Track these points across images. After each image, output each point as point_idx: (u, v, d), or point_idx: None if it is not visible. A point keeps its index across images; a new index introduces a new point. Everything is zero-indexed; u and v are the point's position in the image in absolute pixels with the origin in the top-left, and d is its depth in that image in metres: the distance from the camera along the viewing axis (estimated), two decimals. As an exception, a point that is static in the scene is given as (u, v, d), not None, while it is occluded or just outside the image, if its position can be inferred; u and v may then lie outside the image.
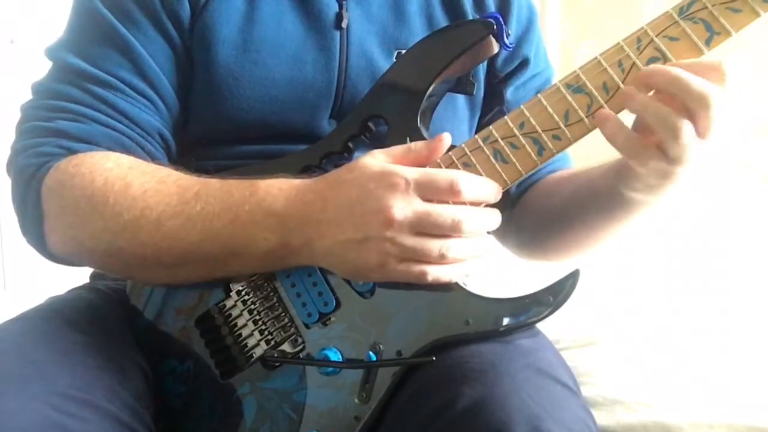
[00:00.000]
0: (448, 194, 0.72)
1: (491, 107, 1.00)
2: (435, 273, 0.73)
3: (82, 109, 0.83)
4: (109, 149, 0.82)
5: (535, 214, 0.98)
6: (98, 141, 0.83)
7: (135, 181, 0.78)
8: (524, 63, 1.00)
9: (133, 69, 0.85)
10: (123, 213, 0.77)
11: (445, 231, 0.71)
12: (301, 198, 0.75)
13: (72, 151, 0.81)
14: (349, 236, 0.72)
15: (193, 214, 0.76)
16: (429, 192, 0.71)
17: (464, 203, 0.73)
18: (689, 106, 0.69)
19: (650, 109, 0.70)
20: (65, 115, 0.83)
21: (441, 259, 0.72)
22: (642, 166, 0.74)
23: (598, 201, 0.87)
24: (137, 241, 0.78)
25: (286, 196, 0.75)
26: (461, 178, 0.72)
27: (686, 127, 0.69)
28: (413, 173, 0.72)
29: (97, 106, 0.84)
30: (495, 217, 0.76)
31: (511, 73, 1.00)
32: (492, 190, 0.76)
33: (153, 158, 0.85)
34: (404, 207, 0.70)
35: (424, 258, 0.72)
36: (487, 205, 0.77)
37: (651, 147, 0.72)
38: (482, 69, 0.97)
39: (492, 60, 0.97)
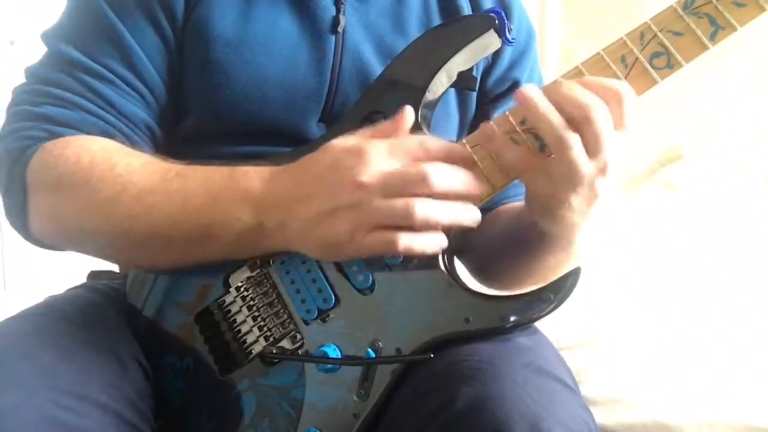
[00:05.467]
0: (417, 152, 0.71)
1: (476, 127, 0.99)
2: (405, 240, 0.70)
3: (70, 96, 0.84)
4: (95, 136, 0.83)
5: (480, 241, 0.95)
6: (83, 128, 0.83)
7: (121, 161, 0.79)
8: (514, 86, 0.99)
9: (123, 61, 0.85)
10: (104, 190, 0.78)
11: (413, 186, 0.69)
12: (276, 180, 0.75)
13: (57, 136, 0.82)
14: (320, 208, 0.71)
15: (171, 191, 0.77)
16: (398, 153, 0.71)
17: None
18: (572, 115, 0.69)
19: (544, 117, 0.70)
20: (53, 101, 0.84)
21: (409, 220, 0.69)
22: (532, 184, 0.74)
23: (520, 234, 0.86)
24: (114, 219, 0.78)
25: (261, 178, 0.75)
26: (428, 139, 0.73)
27: (573, 138, 0.69)
28: (382, 142, 0.72)
29: (85, 94, 0.84)
30: (468, 180, 0.73)
31: (500, 96, 0.99)
32: (458, 151, 0.75)
33: (137, 148, 0.86)
34: (373, 170, 0.70)
35: (394, 220, 0.70)
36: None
37: (538, 164, 0.72)
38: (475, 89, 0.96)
39: (483, 80, 0.97)
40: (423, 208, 0.69)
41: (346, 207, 0.70)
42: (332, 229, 0.71)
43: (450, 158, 0.73)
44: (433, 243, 0.72)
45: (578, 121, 0.69)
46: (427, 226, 0.71)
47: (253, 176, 0.76)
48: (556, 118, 0.69)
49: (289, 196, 0.73)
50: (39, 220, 0.83)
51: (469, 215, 0.73)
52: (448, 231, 0.75)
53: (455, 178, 0.72)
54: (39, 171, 0.81)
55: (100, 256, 0.89)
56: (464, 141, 0.77)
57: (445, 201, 0.71)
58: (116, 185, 0.78)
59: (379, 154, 0.70)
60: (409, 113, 0.74)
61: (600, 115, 0.69)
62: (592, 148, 0.70)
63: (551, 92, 0.70)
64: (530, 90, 0.71)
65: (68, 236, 0.83)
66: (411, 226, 0.70)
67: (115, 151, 0.81)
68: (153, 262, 0.84)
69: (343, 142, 0.73)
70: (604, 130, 0.69)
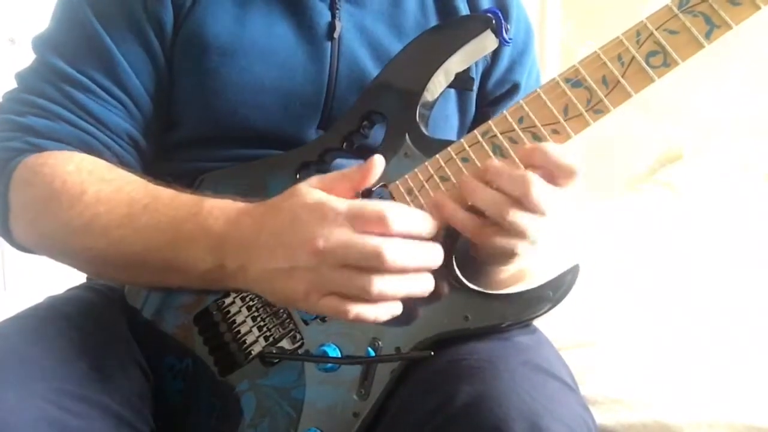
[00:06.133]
0: (376, 225, 0.68)
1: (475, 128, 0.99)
2: (357, 311, 0.68)
3: (53, 106, 0.85)
4: (75, 148, 0.84)
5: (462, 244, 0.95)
6: (64, 139, 0.84)
7: (90, 187, 0.79)
8: (514, 88, 0.99)
9: (107, 73, 0.86)
10: (74, 218, 0.79)
11: (368, 262, 0.67)
12: (240, 222, 0.74)
13: (39, 148, 0.83)
14: (277, 265, 0.70)
15: (138, 226, 0.77)
16: (357, 223, 0.68)
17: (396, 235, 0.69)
18: (512, 194, 0.71)
19: (487, 198, 0.72)
20: (36, 111, 0.85)
21: (364, 295, 0.68)
22: (485, 243, 0.74)
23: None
24: (86, 245, 0.79)
25: (226, 219, 0.74)
26: (389, 210, 0.68)
27: (520, 216, 0.71)
28: (343, 205, 0.69)
29: (67, 105, 0.85)
30: (429, 252, 0.71)
31: (500, 98, 0.99)
32: (424, 223, 0.71)
33: (119, 158, 0.87)
34: (329, 237, 0.67)
35: (347, 292, 0.68)
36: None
37: (489, 225, 0.73)
38: (474, 90, 0.96)
39: (483, 82, 0.97)
40: (377, 286, 0.67)
41: (302, 269, 0.69)
42: (288, 286, 0.70)
43: (412, 231, 0.70)
44: (386, 313, 0.70)
45: (518, 198, 0.71)
46: (380, 301, 0.69)
47: (218, 215, 0.75)
48: (501, 199, 0.71)
49: (250, 242, 0.72)
50: (20, 231, 0.84)
51: (422, 287, 0.71)
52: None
53: (411, 257, 0.69)
54: (18, 187, 0.82)
55: (80, 270, 0.91)
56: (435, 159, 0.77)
57: (400, 275, 0.69)
58: (84, 216, 0.78)
59: (337, 218, 0.68)
60: (378, 162, 0.72)
61: (536, 189, 0.70)
62: (536, 212, 0.71)
63: (484, 176, 0.73)
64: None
65: (48, 250, 0.85)
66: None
67: (89, 173, 0.81)
68: (132, 282, 0.86)
69: (306, 193, 0.71)
70: (544, 198, 0.71)
